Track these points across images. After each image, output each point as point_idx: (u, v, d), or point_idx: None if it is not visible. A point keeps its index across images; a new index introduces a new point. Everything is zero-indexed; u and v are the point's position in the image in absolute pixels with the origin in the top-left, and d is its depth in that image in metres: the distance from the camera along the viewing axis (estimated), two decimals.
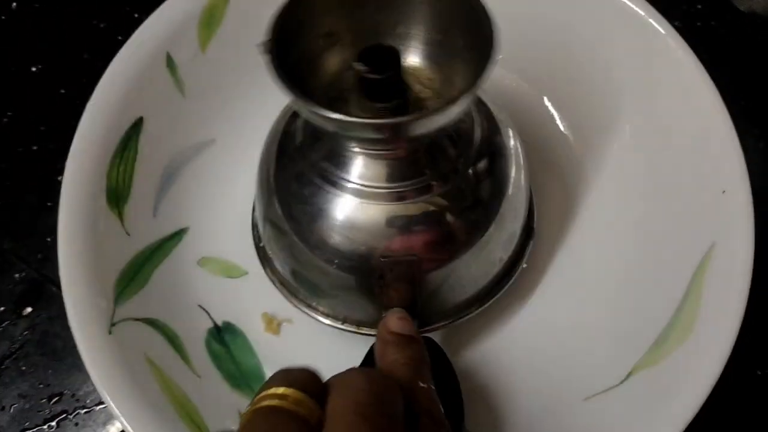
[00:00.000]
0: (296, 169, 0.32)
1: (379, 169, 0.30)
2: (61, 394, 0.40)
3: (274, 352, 0.37)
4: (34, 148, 0.46)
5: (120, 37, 0.40)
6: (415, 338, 0.30)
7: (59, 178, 0.36)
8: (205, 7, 0.41)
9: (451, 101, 0.26)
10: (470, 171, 0.32)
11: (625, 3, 0.39)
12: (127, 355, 0.33)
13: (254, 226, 0.39)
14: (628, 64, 0.39)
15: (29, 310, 0.42)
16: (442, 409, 0.27)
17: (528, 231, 0.37)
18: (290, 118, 0.34)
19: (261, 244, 0.38)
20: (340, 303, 0.35)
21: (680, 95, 0.37)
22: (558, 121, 0.43)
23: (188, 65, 0.41)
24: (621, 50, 0.39)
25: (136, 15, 0.49)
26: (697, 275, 0.34)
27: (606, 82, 0.40)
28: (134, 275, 0.36)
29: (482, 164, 0.32)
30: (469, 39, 0.29)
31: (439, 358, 0.33)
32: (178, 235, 0.39)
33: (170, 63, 0.40)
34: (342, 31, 0.31)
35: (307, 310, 0.36)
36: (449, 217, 0.31)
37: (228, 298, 0.38)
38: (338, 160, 0.31)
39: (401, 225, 0.31)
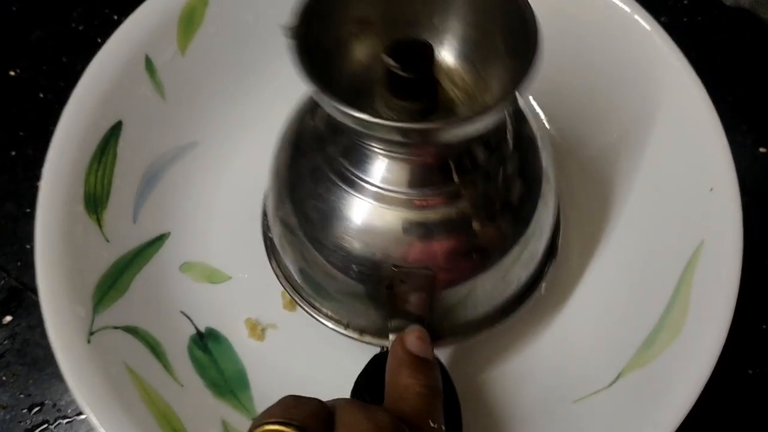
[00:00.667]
0: (312, 164, 0.30)
1: (401, 171, 0.28)
2: (42, 404, 0.39)
3: (259, 359, 0.37)
4: (13, 153, 0.46)
5: (99, 40, 0.40)
6: (431, 363, 0.29)
7: (38, 184, 0.36)
8: (184, 9, 0.40)
9: (486, 109, 0.24)
10: (499, 180, 0.30)
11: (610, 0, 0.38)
12: (107, 364, 0.33)
13: (264, 215, 0.37)
14: (615, 61, 0.39)
15: (9, 318, 0.41)
16: None
17: (550, 250, 0.35)
18: (309, 108, 0.32)
19: (270, 235, 0.36)
20: (345, 307, 0.33)
21: (666, 93, 0.37)
22: (544, 120, 0.42)
23: (168, 67, 0.40)
24: (607, 48, 0.39)
25: (115, 17, 0.49)
26: (686, 274, 0.33)
27: (592, 80, 0.40)
28: (114, 282, 0.35)
29: (514, 174, 0.30)
30: (510, 41, 0.27)
31: (444, 381, 0.31)
32: (159, 240, 0.38)
33: (149, 65, 0.39)
34: (375, 18, 0.29)
35: (310, 311, 0.35)
36: (470, 230, 0.29)
37: (211, 304, 0.38)
38: (358, 158, 0.29)
39: (419, 234, 0.29)
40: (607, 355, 0.34)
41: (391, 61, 0.26)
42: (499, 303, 0.34)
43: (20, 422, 0.39)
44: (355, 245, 0.29)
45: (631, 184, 0.38)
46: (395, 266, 0.29)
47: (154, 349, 0.35)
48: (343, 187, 0.29)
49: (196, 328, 0.37)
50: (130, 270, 0.37)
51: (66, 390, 0.39)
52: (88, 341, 0.33)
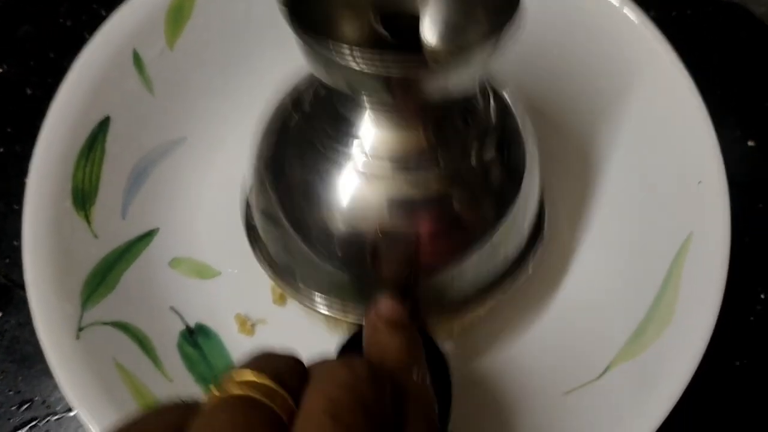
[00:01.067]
0: (297, 137, 0.30)
1: (387, 138, 0.28)
2: (31, 401, 0.39)
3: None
4: (1, 150, 0.45)
5: (87, 35, 0.39)
6: (407, 324, 0.28)
7: (26, 181, 0.36)
8: (173, 3, 0.40)
9: (469, 47, 0.24)
10: (485, 151, 0.29)
11: None
12: (96, 360, 0.32)
13: (247, 205, 0.36)
14: (603, 55, 0.39)
15: None
16: (437, 409, 0.25)
17: (535, 232, 0.35)
18: (293, 88, 0.32)
19: (252, 223, 0.35)
20: (327, 283, 0.32)
21: (655, 86, 0.37)
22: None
23: (156, 62, 0.40)
24: (595, 42, 0.39)
25: (103, 12, 0.48)
26: (674, 266, 0.34)
27: (579, 74, 0.40)
28: (102, 278, 0.35)
29: (497, 147, 0.30)
30: (495, 21, 0.26)
31: (431, 349, 0.30)
32: (148, 236, 0.38)
33: (137, 60, 0.39)
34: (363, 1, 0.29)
35: (292, 292, 0.33)
36: (459, 198, 0.29)
37: (200, 299, 0.38)
38: (343, 126, 0.28)
39: (404, 201, 0.28)
40: (596, 347, 0.34)
41: (381, 29, 0.26)
42: (487, 280, 0.33)
43: (9, 419, 0.38)
44: (336, 211, 0.29)
45: (619, 177, 0.38)
46: (381, 233, 0.29)
47: (144, 344, 0.35)
48: (328, 155, 0.29)
49: (185, 323, 0.37)
50: (119, 266, 0.36)
51: (55, 386, 0.38)
52: (77, 337, 0.33)
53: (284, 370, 0.21)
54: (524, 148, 0.32)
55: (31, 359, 0.40)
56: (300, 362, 0.22)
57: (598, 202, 0.39)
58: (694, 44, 0.46)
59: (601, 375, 0.33)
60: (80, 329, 0.33)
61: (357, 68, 0.24)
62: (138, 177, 0.39)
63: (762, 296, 0.40)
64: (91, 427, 0.30)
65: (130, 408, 0.32)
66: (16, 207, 0.43)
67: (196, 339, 0.36)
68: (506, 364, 0.36)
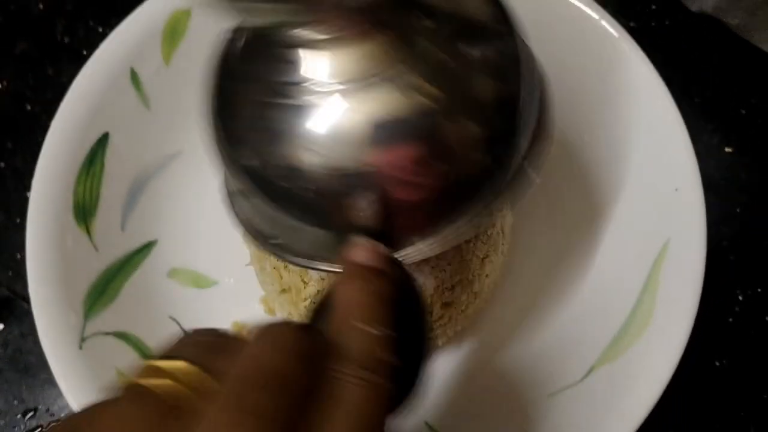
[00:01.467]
0: (235, 89, 0.27)
1: (330, 62, 0.23)
2: (35, 410, 0.40)
3: None
4: (1, 165, 0.46)
5: (85, 52, 0.40)
6: (382, 271, 0.24)
7: (28, 195, 0.37)
8: (168, 21, 0.41)
9: None
10: (461, 46, 0.24)
11: (576, 6, 0.40)
12: (99, 369, 0.34)
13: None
14: (580, 66, 0.40)
15: (1, 326, 0.42)
16: (391, 362, 0.21)
17: (537, 132, 0.28)
18: (231, 34, 0.28)
19: (227, 186, 0.32)
20: (306, 237, 0.27)
21: (632, 96, 0.38)
22: None
23: (152, 79, 0.41)
24: (572, 52, 0.40)
25: (100, 29, 0.49)
26: (653, 271, 0.35)
27: (558, 85, 0.41)
28: (104, 289, 0.37)
29: (476, 38, 0.25)
30: None
31: (405, 293, 0.25)
32: (147, 247, 0.40)
33: (134, 77, 0.40)
34: None
35: (275, 251, 0.29)
36: (437, 111, 0.23)
37: (198, 308, 0.39)
38: (286, 66, 0.24)
39: (369, 126, 0.23)
40: (579, 351, 0.35)
41: None
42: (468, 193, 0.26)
43: (14, 427, 0.39)
44: (289, 154, 0.24)
45: (598, 184, 0.39)
46: (341, 172, 0.24)
47: (145, 353, 0.36)
48: (273, 94, 0.24)
49: (185, 332, 0.38)
50: (119, 277, 0.38)
51: (59, 395, 0.40)
52: (80, 347, 0.34)
53: (205, 348, 0.20)
54: (513, 31, 0.27)
55: (34, 369, 0.41)
56: (222, 335, 0.21)
57: (576, 210, 0.40)
58: (672, 54, 0.48)
59: (584, 377, 0.34)
60: (83, 339, 0.34)
61: None
62: (137, 190, 0.40)
63: (740, 298, 0.41)
64: None
65: None
66: (17, 220, 0.44)
67: None
68: (492, 367, 0.37)
